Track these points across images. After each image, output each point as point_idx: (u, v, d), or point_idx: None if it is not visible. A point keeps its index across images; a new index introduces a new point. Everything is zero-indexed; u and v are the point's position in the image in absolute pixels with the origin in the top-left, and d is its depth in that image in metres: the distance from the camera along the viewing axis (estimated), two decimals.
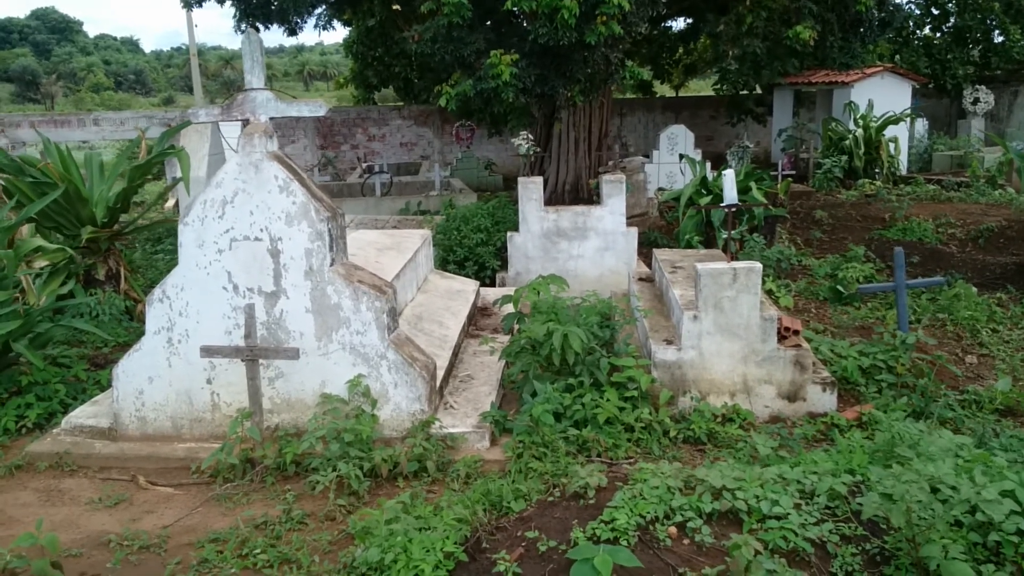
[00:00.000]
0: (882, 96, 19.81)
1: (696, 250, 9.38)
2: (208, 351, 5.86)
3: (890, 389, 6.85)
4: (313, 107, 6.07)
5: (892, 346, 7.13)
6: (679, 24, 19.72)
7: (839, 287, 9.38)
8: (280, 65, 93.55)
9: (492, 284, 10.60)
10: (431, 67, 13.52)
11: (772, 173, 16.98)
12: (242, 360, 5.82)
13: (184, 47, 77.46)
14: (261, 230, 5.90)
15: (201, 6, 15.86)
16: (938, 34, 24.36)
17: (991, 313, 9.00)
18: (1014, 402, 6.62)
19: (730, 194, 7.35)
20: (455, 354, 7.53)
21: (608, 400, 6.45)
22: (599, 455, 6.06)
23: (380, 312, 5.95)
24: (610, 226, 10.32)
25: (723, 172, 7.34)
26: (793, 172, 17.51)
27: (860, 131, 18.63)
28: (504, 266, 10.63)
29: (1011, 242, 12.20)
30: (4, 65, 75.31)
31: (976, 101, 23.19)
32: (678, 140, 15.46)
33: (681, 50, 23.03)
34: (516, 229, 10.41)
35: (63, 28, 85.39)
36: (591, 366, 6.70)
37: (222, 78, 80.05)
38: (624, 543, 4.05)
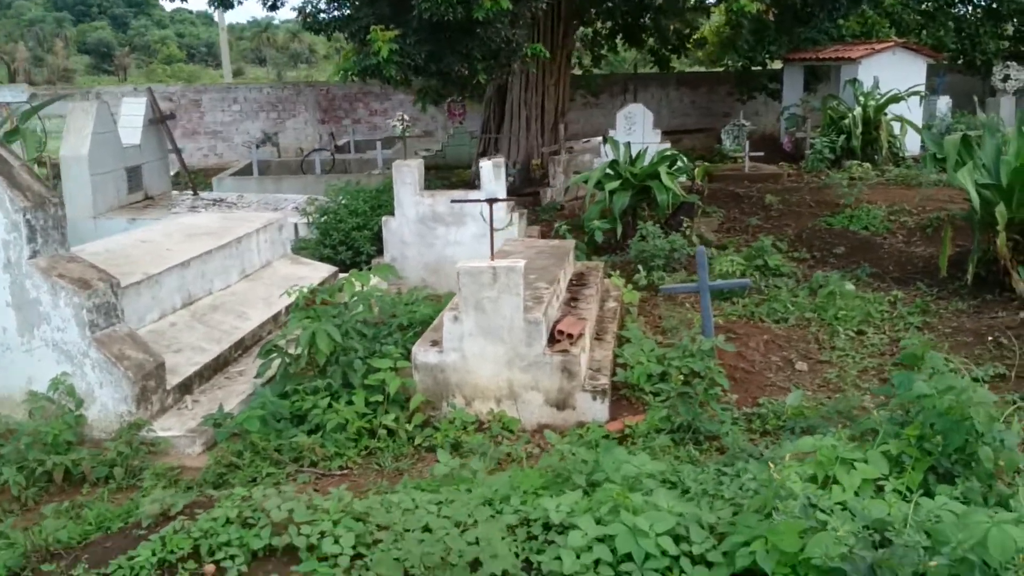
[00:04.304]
0: (893, 73, 18.60)
1: (548, 241, 8.81)
2: None
3: (679, 399, 6.23)
4: (15, 92, 5.74)
5: (690, 352, 6.48)
6: None
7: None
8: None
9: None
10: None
11: (735, 154, 16.11)
12: None
13: (255, 19, 78.47)
14: None
15: None
16: (970, 8, 22.76)
17: (866, 314, 8.21)
18: (801, 418, 5.94)
19: (489, 187, 6.77)
20: (240, 348, 7.17)
21: (351, 404, 6.03)
22: (313, 464, 5.65)
23: (80, 308, 5.63)
24: (497, 210, 9.75)
25: (481, 164, 6.76)
26: (761, 154, 16.53)
27: (859, 110, 17.54)
28: (381, 252, 10.19)
29: (958, 232, 11.19)
30: (82, 38, 77.49)
31: (1007, 78, 21.67)
32: (636, 120, 14.64)
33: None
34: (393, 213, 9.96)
35: (140, 2, 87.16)
36: (345, 367, 6.27)
37: (289, 51, 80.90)
38: None
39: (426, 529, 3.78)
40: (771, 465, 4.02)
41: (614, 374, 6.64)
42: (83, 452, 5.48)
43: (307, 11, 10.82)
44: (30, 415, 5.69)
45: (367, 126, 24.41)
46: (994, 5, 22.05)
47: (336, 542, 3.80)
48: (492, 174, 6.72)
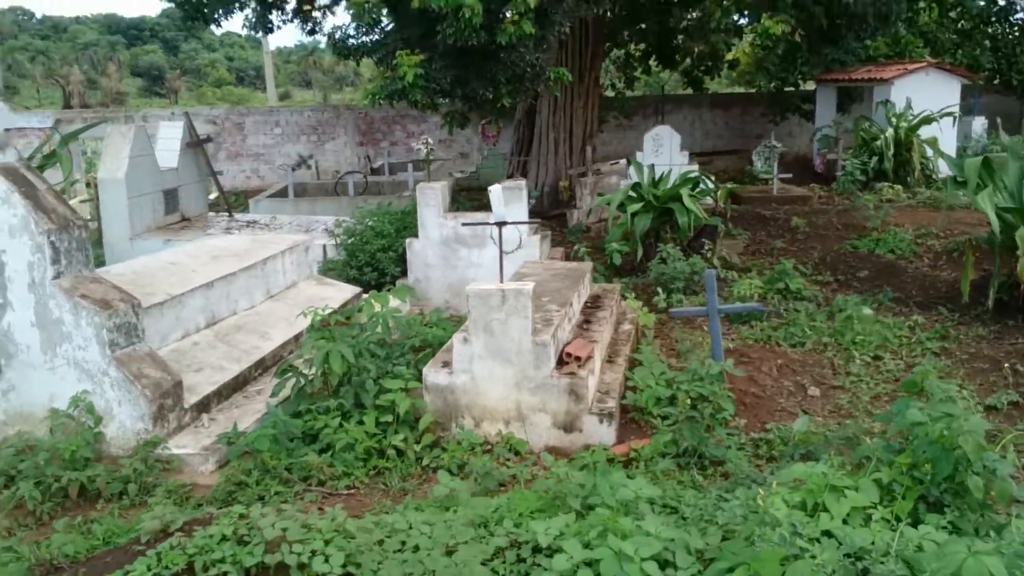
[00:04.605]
0: (925, 93, 18.42)
1: (566, 263, 8.89)
2: None
3: (685, 423, 6.26)
4: (40, 118, 5.98)
5: (700, 375, 6.52)
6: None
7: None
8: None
9: None
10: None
11: (766, 176, 16.06)
12: None
13: (302, 43, 79.53)
14: None
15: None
16: (1006, 27, 22.48)
17: (884, 339, 8.17)
18: (807, 444, 5.93)
19: (498, 211, 6.88)
20: (260, 367, 7.33)
21: (361, 424, 6.15)
22: (321, 484, 5.78)
23: (101, 328, 5.83)
24: (509, 233, 9.86)
25: (490, 188, 6.87)
26: (790, 175, 16.47)
27: (891, 131, 17.42)
28: (405, 273, 10.34)
29: (984, 256, 11.07)
30: (135, 61, 79.32)
31: None
32: (663, 142, 14.69)
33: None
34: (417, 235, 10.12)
35: (191, 25, 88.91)
36: (357, 387, 6.40)
37: (335, 74, 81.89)
38: None
39: (415, 550, 3.87)
40: (760, 491, 4.06)
41: (624, 397, 6.69)
42: (99, 468, 5.65)
43: (336, 37, 11.10)
44: (51, 432, 5.88)
45: (404, 148, 24.68)
46: None
47: (326, 561, 3.89)
48: (500, 198, 6.84)
